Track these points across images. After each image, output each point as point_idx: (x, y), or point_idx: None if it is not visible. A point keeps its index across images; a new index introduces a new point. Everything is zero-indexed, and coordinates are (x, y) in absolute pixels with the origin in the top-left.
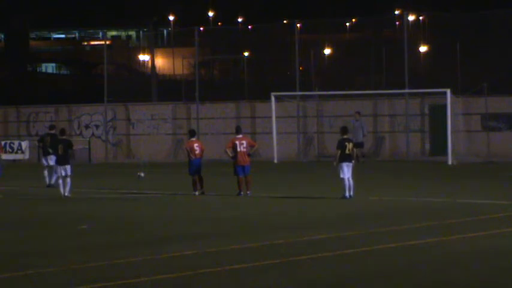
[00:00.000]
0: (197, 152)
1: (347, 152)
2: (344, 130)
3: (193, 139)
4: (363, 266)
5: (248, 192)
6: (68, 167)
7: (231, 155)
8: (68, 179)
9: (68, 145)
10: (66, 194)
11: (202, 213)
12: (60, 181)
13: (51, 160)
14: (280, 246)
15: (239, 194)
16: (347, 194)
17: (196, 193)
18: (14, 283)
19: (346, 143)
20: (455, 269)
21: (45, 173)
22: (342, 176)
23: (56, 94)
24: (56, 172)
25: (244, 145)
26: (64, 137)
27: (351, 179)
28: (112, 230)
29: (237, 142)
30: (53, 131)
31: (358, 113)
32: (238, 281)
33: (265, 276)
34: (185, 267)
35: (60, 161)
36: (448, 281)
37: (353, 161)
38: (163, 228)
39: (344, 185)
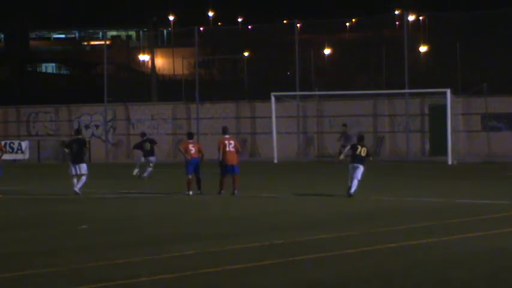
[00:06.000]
0: (192, 152)
1: (357, 152)
2: (360, 138)
3: (190, 141)
4: (363, 266)
5: (235, 191)
6: (83, 166)
7: (220, 158)
8: (84, 177)
9: (83, 144)
10: (76, 189)
11: (202, 213)
12: (75, 180)
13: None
14: (280, 246)
15: (220, 192)
16: (352, 191)
17: (190, 193)
18: (14, 283)
19: (359, 146)
20: (455, 269)
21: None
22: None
23: (56, 94)
24: (69, 171)
25: (233, 145)
26: (79, 136)
27: (356, 180)
28: (112, 230)
29: (226, 142)
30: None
31: (345, 125)
32: (238, 281)
33: (265, 276)
34: (185, 267)
35: (75, 160)
36: (448, 281)
37: (362, 165)
38: (163, 228)
39: (351, 183)
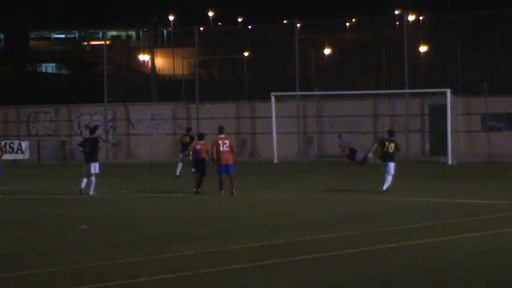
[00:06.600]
0: (198, 152)
1: (385, 149)
2: (391, 132)
3: (199, 142)
4: (363, 266)
5: (234, 190)
6: (96, 165)
7: (215, 157)
8: (93, 178)
9: (95, 143)
10: (91, 192)
11: (202, 213)
12: (85, 179)
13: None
14: (280, 246)
15: (220, 192)
16: (384, 187)
17: (195, 189)
18: (14, 283)
19: (387, 142)
20: (455, 269)
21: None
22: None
23: (56, 94)
24: (83, 169)
25: (227, 145)
26: (93, 135)
27: (389, 175)
28: (112, 230)
29: (220, 142)
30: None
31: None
32: (238, 281)
33: (265, 276)
34: (185, 267)
35: (88, 158)
36: (448, 281)
37: (392, 162)
38: (163, 228)
39: (384, 179)
